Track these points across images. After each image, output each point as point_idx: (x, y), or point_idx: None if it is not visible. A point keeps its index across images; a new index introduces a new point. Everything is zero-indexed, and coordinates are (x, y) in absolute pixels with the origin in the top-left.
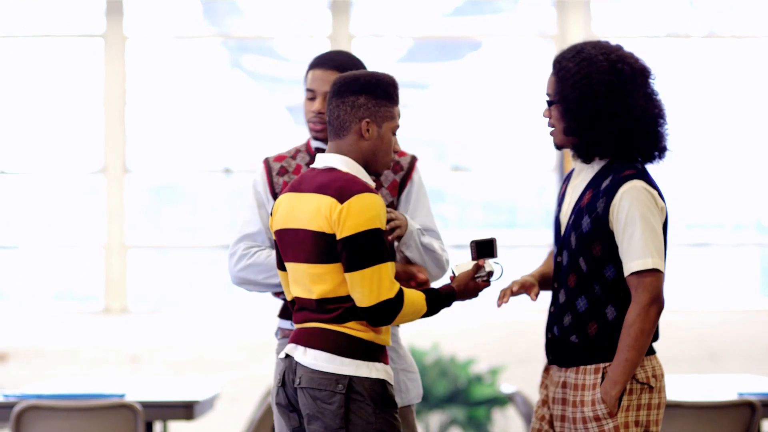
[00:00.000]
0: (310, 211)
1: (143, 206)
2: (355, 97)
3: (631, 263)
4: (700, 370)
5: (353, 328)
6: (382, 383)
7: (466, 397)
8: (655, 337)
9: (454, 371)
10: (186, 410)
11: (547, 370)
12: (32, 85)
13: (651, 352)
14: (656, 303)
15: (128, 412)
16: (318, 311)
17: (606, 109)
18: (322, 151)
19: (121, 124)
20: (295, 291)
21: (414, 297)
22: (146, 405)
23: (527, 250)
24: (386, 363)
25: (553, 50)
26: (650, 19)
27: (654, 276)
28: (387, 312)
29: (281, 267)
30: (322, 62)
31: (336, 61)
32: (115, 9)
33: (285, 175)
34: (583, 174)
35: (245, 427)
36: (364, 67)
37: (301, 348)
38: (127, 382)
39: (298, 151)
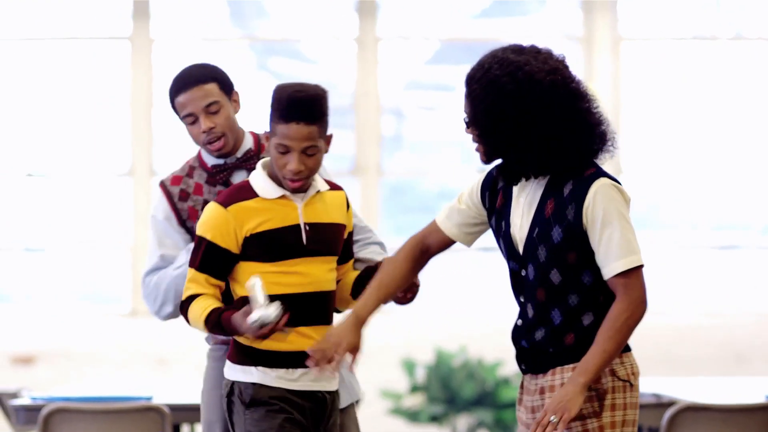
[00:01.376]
0: None
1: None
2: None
3: (616, 263)
4: (726, 373)
5: None
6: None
7: (494, 399)
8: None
9: (482, 374)
10: None
11: (521, 386)
12: (59, 87)
13: (628, 349)
14: (645, 302)
15: (155, 415)
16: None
17: (518, 131)
18: (220, 167)
19: (148, 127)
20: None
21: (196, 308)
22: (173, 408)
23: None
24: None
25: (580, 52)
26: (677, 20)
27: (640, 272)
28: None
29: None
30: (184, 84)
31: (195, 77)
32: (142, 11)
33: (187, 199)
34: (529, 187)
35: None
36: (224, 74)
37: None
38: (155, 385)
39: (192, 168)
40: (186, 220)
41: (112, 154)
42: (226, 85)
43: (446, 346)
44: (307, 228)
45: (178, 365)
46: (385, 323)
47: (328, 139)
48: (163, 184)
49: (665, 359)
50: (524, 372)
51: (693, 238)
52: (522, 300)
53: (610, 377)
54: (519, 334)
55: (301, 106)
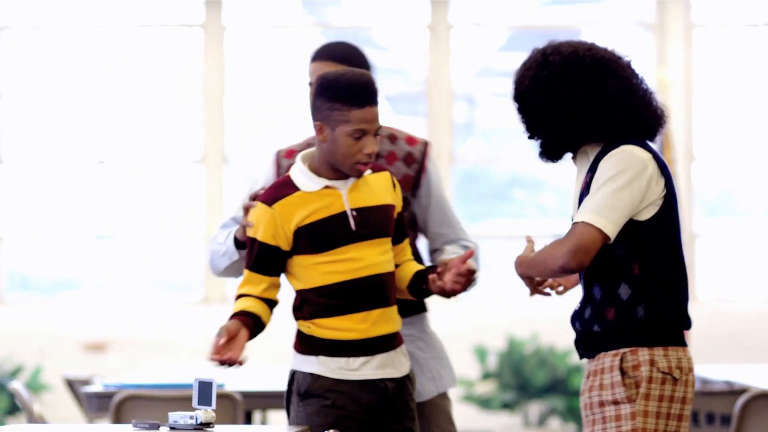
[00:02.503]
0: None
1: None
2: (315, 98)
3: (581, 213)
4: None
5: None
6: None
7: (566, 387)
8: (687, 327)
9: (554, 361)
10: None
11: None
12: (132, 75)
13: (678, 343)
14: (571, 256)
15: (228, 402)
16: None
17: (541, 106)
18: None
19: (220, 114)
20: None
21: (233, 308)
22: (246, 394)
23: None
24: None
25: (653, 39)
26: (750, 6)
27: (584, 228)
28: None
29: None
30: (321, 54)
31: (334, 52)
32: None
33: None
34: (582, 169)
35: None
36: (365, 61)
37: None
38: (227, 372)
39: (309, 146)
40: None
41: (184, 141)
42: None
43: (518, 333)
44: (354, 213)
45: (250, 352)
46: (456, 310)
47: None
48: (277, 155)
49: (738, 346)
50: (581, 357)
51: (766, 224)
52: (581, 282)
53: (648, 367)
54: (574, 317)
55: (369, 89)
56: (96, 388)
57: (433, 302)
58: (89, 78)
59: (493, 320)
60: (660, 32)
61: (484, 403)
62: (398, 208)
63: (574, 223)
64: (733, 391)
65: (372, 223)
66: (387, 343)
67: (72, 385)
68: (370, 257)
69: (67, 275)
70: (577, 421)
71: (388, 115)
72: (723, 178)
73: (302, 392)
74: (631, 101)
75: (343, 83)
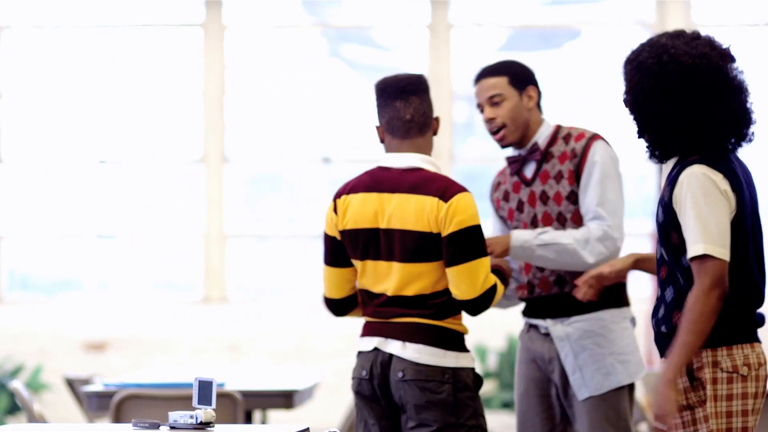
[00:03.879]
0: (412, 212)
1: (242, 195)
2: (427, 95)
3: (690, 248)
4: None
5: (452, 323)
6: (473, 370)
7: None
8: (761, 323)
9: None
10: (285, 399)
11: None
12: (132, 74)
13: (748, 340)
14: (717, 288)
15: (228, 401)
16: (415, 307)
17: (654, 111)
18: (513, 158)
19: (220, 114)
20: (377, 287)
21: (498, 283)
22: (246, 394)
23: (627, 238)
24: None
25: None
26: (750, 6)
27: (710, 262)
28: (487, 301)
29: (332, 263)
30: (476, 76)
31: (486, 70)
32: None
33: (496, 190)
34: (664, 174)
35: (345, 416)
36: (518, 68)
37: (398, 342)
38: (227, 371)
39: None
40: (497, 210)
41: (184, 141)
42: (518, 80)
43: (518, 332)
44: None
45: (250, 352)
46: None
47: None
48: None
49: None
50: (661, 356)
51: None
52: (656, 279)
53: (711, 368)
54: (653, 314)
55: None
56: (96, 387)
57: None
58: (90, 78)
59: (493, 320)
60: (660, 31)
61: (484, 402)
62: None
63: (692, 260)
64: None
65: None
66: None
67: (72, 385)
68: None
69: (68, 275)
70: None
71: None
72: None
73: (474, 386)
74: (737, 109)
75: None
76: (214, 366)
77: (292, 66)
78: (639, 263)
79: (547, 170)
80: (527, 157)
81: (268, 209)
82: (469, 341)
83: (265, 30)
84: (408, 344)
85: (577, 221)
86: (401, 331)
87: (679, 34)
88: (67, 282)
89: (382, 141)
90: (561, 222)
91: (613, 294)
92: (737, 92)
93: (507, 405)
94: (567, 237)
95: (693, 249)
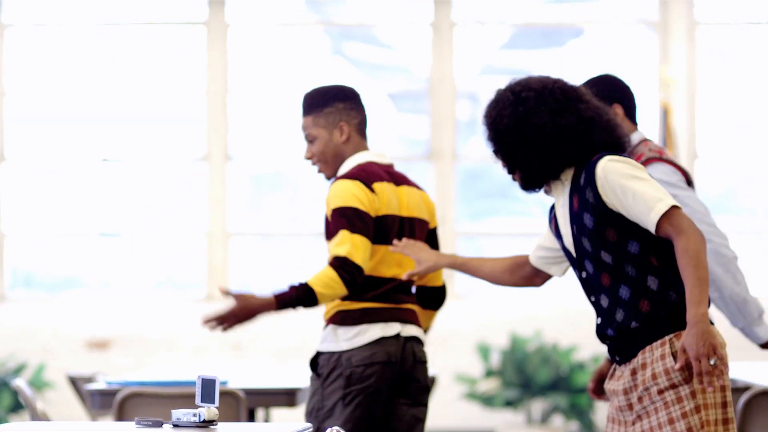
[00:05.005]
0: (422, 204)
1: (245, 194)
2: None
3: (650, 216)
4: None
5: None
6: None
7: (569, 384)
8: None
9: (557, 358)
10: (288, 397)
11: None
12: (135, 72)
13: (710, 321)
14: (696, 228)
15: (231, 399)
16: (411, 294)
17: (519, 140)
18: None
19: (223, 112)
20: (389, 272)
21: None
22: (249, 392)
23: None
24: None
25: (656, 37)
26: (753, 5)
27: (675, 211)
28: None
29: (369, 238)
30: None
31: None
32: None
33: None
34: (561, 196)
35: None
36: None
37: (414, 326)
38: (230, 369)
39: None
40: None
41: (187, 139)
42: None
43: (521, 330)
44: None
45: (254, 350)
46: (460, 308)
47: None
48: None
49: (741, 344)
50: (619, 363)
51: None
52: (593, 299)
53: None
54: (602, 329)
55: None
56: (99, 385)
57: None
58: (93, 76)
59: (496, 318)
60: (663, 30)
61: (487, 400)
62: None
63: (665, 215)
64: (736, 389)
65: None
66: None
67: (75, 383)
68: None
69: (71, 273)
70: (580, 418)
71: (391, 112)
72: (726, 176)
73: None
74: (603, 122)
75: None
76: (217, 364)
77: (295, 64)
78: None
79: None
80: None
81: (272, 207)
82: (472, 339)
83: (268, 28)
84: (419, 329)
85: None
86: (412, 316)
87: (518, 82)
88: (70, 280)
89: (347, 139)
90: None
91: None
92: (597, 108)
93: (510, 403)
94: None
95: (656, 211)
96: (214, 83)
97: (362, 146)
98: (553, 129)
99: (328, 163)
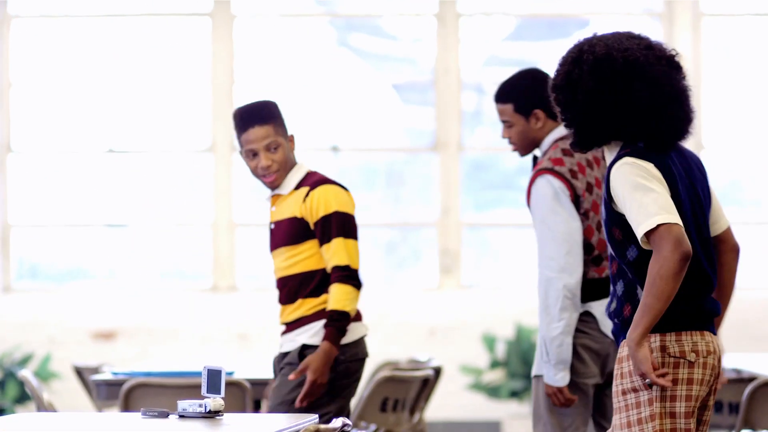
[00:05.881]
0: None
1: (251, 184)
2: None
3: (638, 229)
4: None
5: None
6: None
7: None
8: (715, 313)
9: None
10: None
11: None
12: (140, 63)
13: (698, 327)
14: (678, 248)
15: (237, 390)
16: None
17: (569, 100)
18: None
19: (229, 103)
20: None
21: None
22: (254, 383)
23: None
24: None
25: (661, 28)
26: None
27: (663, 228)
28: None
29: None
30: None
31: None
32: None
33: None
34: (607, 162)
35: (353, 405)
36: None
37: None
38: (236, 360)
39: None
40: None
41: (192, 130)
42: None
43: (526, 321)
44: (272, 227)
45: (259, 341)
46: (465, 299)
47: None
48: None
49: (746, 335)
50: (616, 343)
51: None
52: (609, 273)
53: (659, 353)
54: (606, 308)
55: (250, 113)
56: (105, 376)
57: (441, 292)
58: (98, 67)
59: (502, 309)
60: (668, 21)
61: (493, 391)
62: (306, 217)
63: (650, 232)
64: (742, 379)
65: (274, 237)
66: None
67: (81, 374)
68: (276, 263)
69: (76, 264)
70: None
71: (396, 103)
72: (731, 167)
73: None
74: (657, 106)
75: (234, 116)
76: (222, 355)
77: (300, 55)
78: None
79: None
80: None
81: None
82: (478, 330)
83: (274, 19)
84: None
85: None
86: None
87: (623, 33)
88: (76, 271)
89: (291, 150)
90: None
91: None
92: (662, 91)
93: (515, 394)
94: (540, 337)
95: (642, 227)
96: (220, 74)
97: (294, 158)
98: (598, 99)
99: (285, 171)
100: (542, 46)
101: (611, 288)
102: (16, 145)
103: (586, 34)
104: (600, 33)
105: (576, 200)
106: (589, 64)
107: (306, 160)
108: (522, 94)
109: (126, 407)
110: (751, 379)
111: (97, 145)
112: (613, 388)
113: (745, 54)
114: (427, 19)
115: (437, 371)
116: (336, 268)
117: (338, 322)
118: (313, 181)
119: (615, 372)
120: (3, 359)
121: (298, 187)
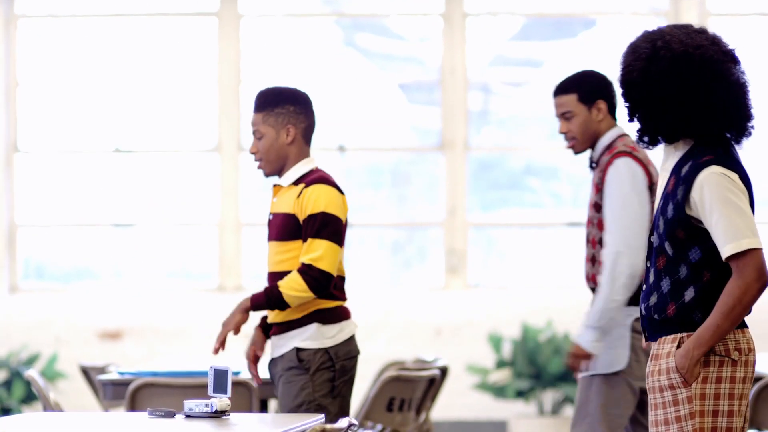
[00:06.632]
0: None
1: (258, 184)
2: None
3: (724, 248)
4: None
5: None
6: None
7: None
8: (749, 311)
9: (568, 349)
10: None
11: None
12: (147, 63)
13: (739, 326)
14: (761, 279)
15: (243, 390)
16: None
17: (644, 97)
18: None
19: (236, 103)
20: (343, 272)
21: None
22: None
23: None
24: None
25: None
26: None
27: (752, 254)
28: None
29: (341, 245)
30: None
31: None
32: None
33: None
34: (671, 158)
35: (359, 405)
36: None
37: None
38: (242, 360)
39: None
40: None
41: (199, 130)
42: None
43: (533, 321)
44: (270, 218)
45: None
46: (471, 299)
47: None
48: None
49: (754, 334)
50: (646, 339)
51: None
52: (648, 265)
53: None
54: (642, 299)
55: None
56: (111, 376)
57: (447, 291)
58: (105, 67)
59: (508, 308)
60: (674, 21)
61: (499, 391)
62: (297, 215)
63: (734, 257)
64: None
65: (270, 229)
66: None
67: (88, 373)
68: (268, 256)
69: (83, 264)
70: None
71: (402, 103)
72: None
73: None
74: (729, 104)
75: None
76: (229, 354)
77: (306, 55)
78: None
79: (593, 178)
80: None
81: None
82: (484, 330)
83: (280, 19)
84: None
85: (601, 229)
86: None
87: (685, 26)
88: (82, 271)
89: (292, 142)
90: (590, 226)
91: None
92: (733, 89)
93: (521, 393)
94: (597, 303)
95: (731, 247)
96: (226, 74)
97: (306, 152)
98: (677, 98)
99: (271, 161)
100: (548, 45)
101: (650, 279)
102: (22, 144)
103: (592, 33)
104: (662, 26)
105: (650, 188)
106: (667, 60)
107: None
108: (586, 84)
109: (132, 407)
110: (758, 378)
111: (104, 144)
112: (649, 384)
113: (751, 54)
114: (434, 18)
115: (443, 371)
116: (302, 264)
117: (271, 298)
118: (312, 179)
119: (650, 368)
120: (9, 359)
121: (298, 182)
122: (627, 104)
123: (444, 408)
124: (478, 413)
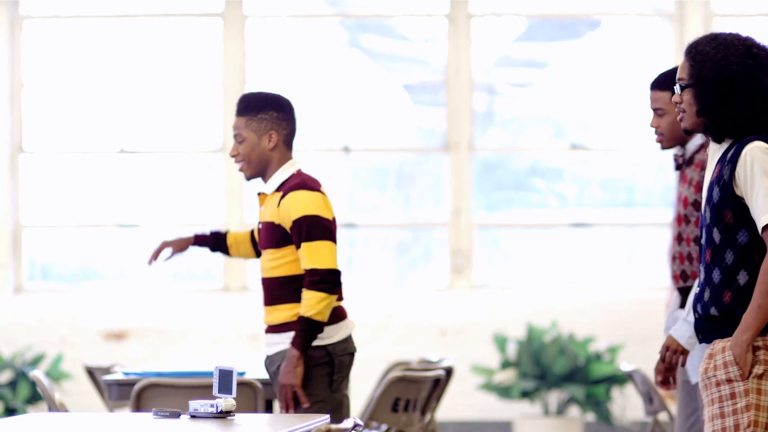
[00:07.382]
0: None
1: (261, 185)
2: None
3: (761, 218)
4: None
5: None
6: None
7: (585, 375)
8: None
9: (573, 349)
10: None
11: None
12: (152, 64)
13: None
14: None
15: (248, 390)
16: None
17: (741, 89)
18: (675, 158)
19: None
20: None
21: None
22: (266, 383)
23: (646, 228)
24: None
25: (672, 29)
26: None
27: None
28: None
29: (335, 242)
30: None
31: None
32: None
33: None
34: (715, 156)
35: (364, 406)
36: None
37: None
38: (247, 360)
39: None
40: None
41: (204, 130)
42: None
43: (537, 321)
44: (260, 227)
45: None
46: (476, 299)
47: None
48: None
49: None
50: (699, 342)
51: None
52: (701, 267)
53: (764, 351)
54: (696, 300)
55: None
56: (117, 376)
57: (452, 292)
58: (110, 68)
59: (513, 309)
60: (679, 22)
61: (504, 391)
62: (282, 224)
63: (764, 231)
64: None
65: (261, 237)
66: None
67: (93, 374)
68: (261, 263)
69: (88, 264)
70: (596, 409)
71: (407, 104)
72: None
73: None
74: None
75: None
76: (234, 355)
77: (311, 56)
78: None
79: (686, 174)
80: (678, 159)
81: None
82: (489, 330)
83: (285, 20)
84: None
85: (698, 226)
86: None
87: (740, 33)
88: (87, 271)
89: (274, 148)
90: (686, 222)
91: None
92: None
93: (526, 394)
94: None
95: (765, 217)
96: (231, 75)
97: (287, 156)
98: (765, 95)
99: (252, 165)
100: (553, 46)
101: (701, 278)
102: (27, 145)
103: (597, 34)
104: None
105: None
106: (764, 57)
107: (313, 161)
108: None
109: (137, 407)
110: None
111: (109, 145)
112: (702, 381)
113: None
114: (439, 19)
115: (448, 371)
116: (306, 273)
117: (306, 329)
118: (289, 186)
119: (705, 366)
120: (14, 359)
121: (279, 188)
122: (711, 98)
123: (449, 408)
124: (483, 414)
